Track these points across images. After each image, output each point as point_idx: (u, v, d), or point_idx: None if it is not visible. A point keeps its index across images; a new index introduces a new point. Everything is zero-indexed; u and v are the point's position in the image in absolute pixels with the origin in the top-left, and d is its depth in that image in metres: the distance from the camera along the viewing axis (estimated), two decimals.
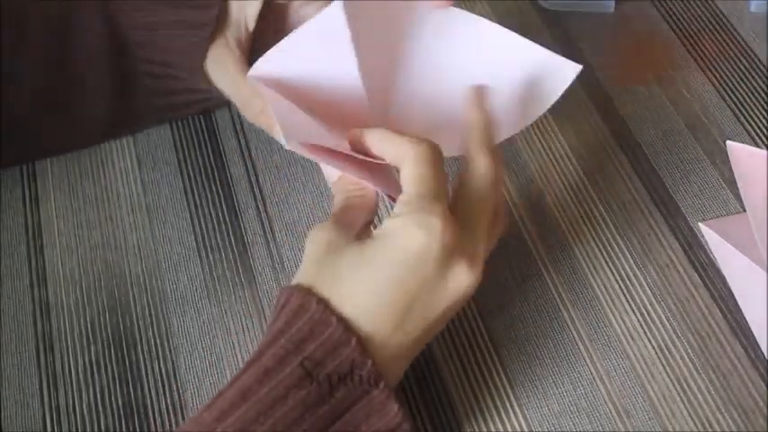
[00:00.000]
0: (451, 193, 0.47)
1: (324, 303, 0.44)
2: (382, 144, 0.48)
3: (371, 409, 0.44)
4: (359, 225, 0.48)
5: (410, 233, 0.44)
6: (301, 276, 0.46)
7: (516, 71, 0.55)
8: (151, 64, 0.60)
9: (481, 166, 0.47)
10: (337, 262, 0.45)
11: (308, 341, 0.43)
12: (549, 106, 0.54)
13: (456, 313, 0.48)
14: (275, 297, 0.46)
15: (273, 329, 0.44)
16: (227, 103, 0.62)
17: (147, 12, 0.58)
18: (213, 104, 0.65)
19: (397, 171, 0.47)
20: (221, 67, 0.58)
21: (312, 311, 0.44)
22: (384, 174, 0.51)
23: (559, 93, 0.54)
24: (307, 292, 0.44)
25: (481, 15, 0.73)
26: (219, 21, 0.57)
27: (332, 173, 0.51)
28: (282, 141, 0.48)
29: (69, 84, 0.60)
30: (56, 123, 0.62)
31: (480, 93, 0.49)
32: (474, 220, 0.46)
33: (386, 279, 0.44)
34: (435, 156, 0.46)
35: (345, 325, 0.43)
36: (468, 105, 0.49)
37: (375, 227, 0.47)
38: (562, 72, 0.54)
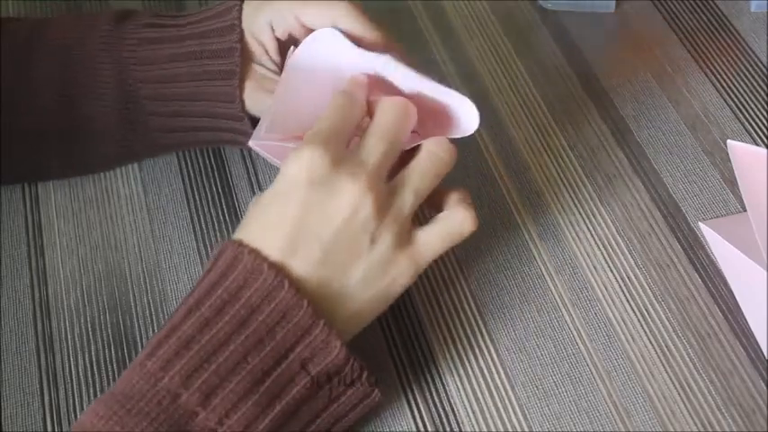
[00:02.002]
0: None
1: (255, 253, 0.46)
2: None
3: (314, 348, 0.45)
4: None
5: (288, 165, 0.48)
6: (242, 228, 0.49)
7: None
8: (164, 117, 0.59)
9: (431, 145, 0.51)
10: (257, 203, 0.49)
11: (243, 289, 0.46)
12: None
13: (385, 272, 0.48)
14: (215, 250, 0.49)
15: (210, 280, 0.47)
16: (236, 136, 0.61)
17: (163, 66, 0.58)
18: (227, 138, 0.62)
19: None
20: (262, 99, 0.58)
21: (244, 262, 0.46)
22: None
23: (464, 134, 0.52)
24: (239, 244, 0.47)
25: (481, 15, 0.73)
26: (244, 56, 0.58)
27: None
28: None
29: (76, 124, 0.59)
30: (60, 157, 0.62)
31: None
32: (371, 147, 0.49)
33: (275, 207, 0.48)
34: (351, 104, 0.51)
35: (277, 271, 0.46)
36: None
37: None
38: (468, 117, 0.52)
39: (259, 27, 0.57)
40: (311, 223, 0.47)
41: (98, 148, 0.61)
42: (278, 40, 0.58)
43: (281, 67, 0.58)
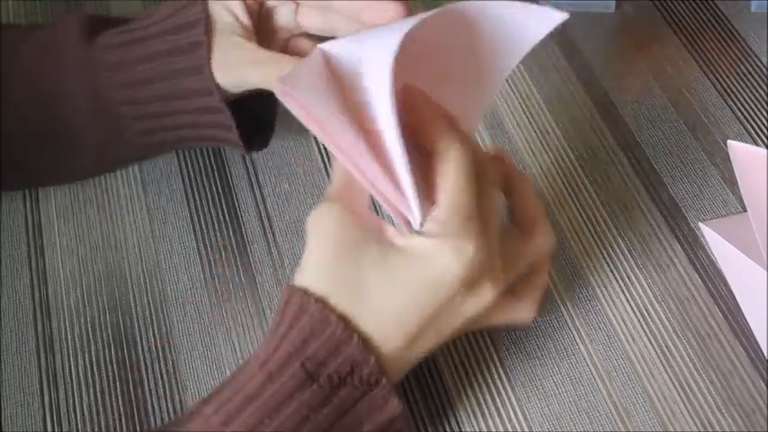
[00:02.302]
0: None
1: (344, 320, 0.43)
2: (434, 122, 0.46)
3: (372, 405, 0.44)
4: (363, 206, 0.47)
5: (444, 259, 0.43)
6: (315, 278, 0.45)
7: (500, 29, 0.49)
8: (141, 120, 0.58)
9: (540, 242, 0.50)
10: (358, 273, 0.44)
11: (314, 347, 0.43)
12: (527, 49, 0.50)
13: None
14: (280, 296, 0.46)
15: (278, 333, 0.44)
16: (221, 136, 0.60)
17: (133, 69, 0.57)
18: (209, 134, 0.60)
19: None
20: (235, 71, 0.55)
21: (332, 329, 0.43)
22: (393, 176, 0.46)
23: (538, 36, 0.49)
24: (324, 305, 0.44)
25: None
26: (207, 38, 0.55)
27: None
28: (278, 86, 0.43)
29: (55, 129, 0.58)
30: (46, 161, 0.61)
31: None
32: (518, 265, 0.48)
33: (411, 301, 0.44)
34: (473, 166, 0.45)
35: (345, 324, 0.43)
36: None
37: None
38: (545, 18, 0.48)
39: None
40: (444, 322, 0.45)
41: (82, 155, 0.60)
42: (248, 9, 0.56)
43: (252, 30, 0.56)
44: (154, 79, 0.56)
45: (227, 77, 0.55)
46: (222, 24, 0.56)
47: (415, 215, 0.45)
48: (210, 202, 0.62)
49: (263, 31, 0.59)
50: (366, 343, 0.44)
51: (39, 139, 0.58)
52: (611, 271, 0.58)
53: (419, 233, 0.44)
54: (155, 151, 0.63)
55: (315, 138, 0.65)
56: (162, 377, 0.54)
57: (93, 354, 0.55)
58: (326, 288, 0.44)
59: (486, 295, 0.45)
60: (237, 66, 0.55)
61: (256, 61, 0.55)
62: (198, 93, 0.56)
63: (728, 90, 0.67)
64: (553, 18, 0.47)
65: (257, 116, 0.60)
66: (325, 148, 0.65)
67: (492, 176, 0.48)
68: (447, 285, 0.44)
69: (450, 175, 0.44)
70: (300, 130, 0.66)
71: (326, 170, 0.64)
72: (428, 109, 0.46)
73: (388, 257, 0.44)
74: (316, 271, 0.45)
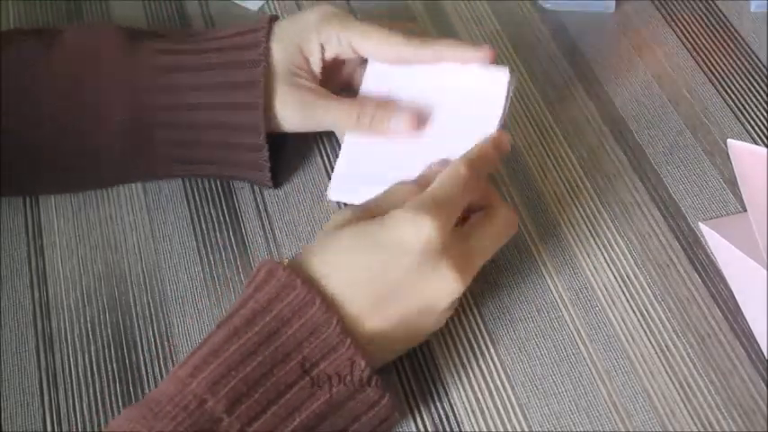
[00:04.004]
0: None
1: (310, 283, 0.47)
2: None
3: (339, 366, 0.46)
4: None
5: (404, 225, 0.47)
6: (301, 253, 0.50)
7: (459, 93, 0.58)
8: (175, 146, 0.59)
9: (504, 211, 0.53)
10: (334, 240, 0.49)
11: (279, 307, 0.47)
12: (498, 118, 0.56)
13: (441, 320, 0.51)
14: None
15: (245, 295, 0.48)
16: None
17: (184, 94, 0.57)
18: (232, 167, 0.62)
19: None
20: (307, 111, 0.58)
21: (297, 291, 0.46)
22: None
23: (500, 102, 0.56)
24: (292, 271, 0.47)
25: (481, 15, 0.73)
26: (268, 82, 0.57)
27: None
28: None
29: (76, 144, 0.58)
30: (56, 174, 0.61)
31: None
32: (479, 242, 0.51)
33: (371, 264, 0.47)
34: (471, 182, 0.51)
35: (327, 305, 0.46)
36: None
37: None
38: (494, 81, 0.57)
39: (310, 47, 0.58)
40: (405, 294, 0.48)
41: (99, 169, 0.60)
42: (324, 59, 0.59)
43: (319, 82, 0.59)
44: (201, 108, 0.57)
45: (294, 118, 0.58)
46: (294, 70, 0.58)
47: None
48: (210, 202, 0.62)
49: (334, 85, 0.61)
50: (330, 305, 0.46)
51: (55, 155, 0.59)
52: (611, 271, 0.57)
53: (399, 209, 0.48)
54: (172, 176, 0.63)
55: (315, 138, 0.65)
56: (162, 377, 0.54)
57: (92, 353, 0.55)
58: (303, 257, 0.49)
59: (447, 278, 0.48)
60: (309, 109, 0.58)
61: (332, 105, 0.58)
62: (244, 129, 0.57)
63: (728, 90, 0.67)
64: (500, 79, 0.56)
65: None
66: (326, 149, 0.65)
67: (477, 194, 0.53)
68: (402, 253, 0.47)
69: (451, 167, 0.51)
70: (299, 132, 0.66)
71: (326, 170, 0.64)
72: None
73: (365, 226, 0.49)
74: (304, 249, 0.50)
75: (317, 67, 0.59)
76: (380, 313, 0.48)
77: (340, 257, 0.48)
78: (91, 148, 0.58)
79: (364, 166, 0.58)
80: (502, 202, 0.54)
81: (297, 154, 0.64)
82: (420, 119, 0.57)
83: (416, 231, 0.47)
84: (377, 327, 0.48)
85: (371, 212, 0.50)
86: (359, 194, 0.54)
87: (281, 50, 0.58)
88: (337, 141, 0.64)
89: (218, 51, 0.58)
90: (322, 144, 0.65)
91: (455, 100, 0.58)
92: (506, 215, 0.53)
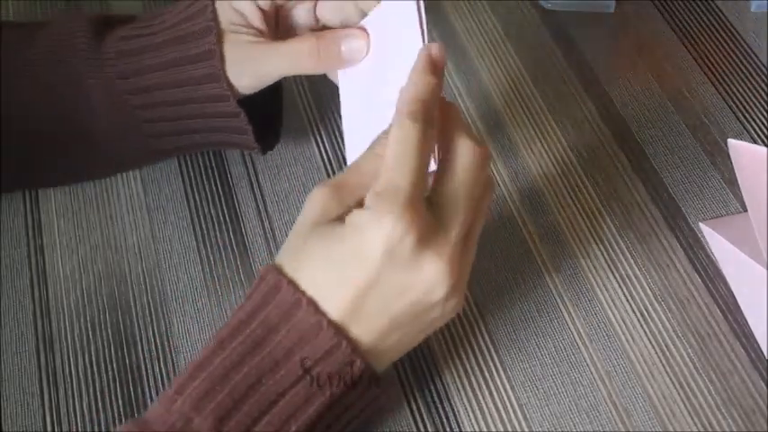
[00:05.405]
0: (432, 180, 0.46)
1: (293, 285, 0.45)
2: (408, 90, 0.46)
3: (332, 371, 0.44)
4: (360, 196, 0.46)
5: (375, 229, 0.43)
6: (282, 251, 0.47)
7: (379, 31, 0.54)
8: (157, 123, 0.59)
9: (465, 151, 0.46)
10: (309, 244, 0.45)
11: (265, 312, 0.45)
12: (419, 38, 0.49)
13: (436, 319, 0.47)
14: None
15: (237, 306, 0.46)
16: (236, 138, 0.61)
17: (146, 76, 0.57)
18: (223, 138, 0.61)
19: None
20: (257, 69, 0.56)
21: (282, 294, 0.45)
22: None
23: (415, 24, 0.49)
24: (278, 272, 0.45)
25: (482, 15, 0.73)
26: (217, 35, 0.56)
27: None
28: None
29: (68, 130, 0.59)
30: (55, 160, 0.61)
31: (434, 56, 0.47)
32: (453, 212, 0.45)
33: (343, 271, 0.44)
34: (424, 135, 0.44)
35: (315, 308, 0.44)
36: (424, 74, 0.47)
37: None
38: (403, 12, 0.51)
39: (238, 1, 0.56)
40: (383, 295, 0.44)
41: (97, 157, 0.61)
42: (260, 9, 0.56)
43: (266, 31, 0.57)
44: (168, 85, 0.57)
45: (247, 78, 0.56)
46: (234, 28, 0.56)
47: None
48: (210, 202, 0.62)
49: (282, 31, 0.59)
50: (317, 309, 0.44)
51: (52, 140, 0.59)
52: (611, 271, 0.58)
53: (360, 208, 0.44)
54: (168, 154, 0.64)
55: (315, 137, 0.65)
56: (162, 377, 0.54)
57: (92, 353, 0.55)
58: (281, 259, 0.46)
59: (429, 269, 0.44)
60: (259, 64, 0.56)
61: (280, 51, 0.55)
62: (214, 98, 0.57)
63: (728, 90, 0.67)
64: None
65: (265, 114, 0.60)
66: (326, 149, 0.65)
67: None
68: (365, 248, 0.43)
69: (392, 150, 0.44)
70: (300, 129, 0.66)
71: (326, 169, 0.64)
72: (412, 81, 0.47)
73: (333, 232, 0.45)
74: (283, 248, 0.48)
75: (256, 19, 0.56)
76: (365, 318, 0.45)
77: (314, 266, 0.45)
78: (83, 133, 0.59)
79: (365, 117, 0.54)
80: (462, 135, 0.46)
81: (297, 154, 0.64)
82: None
83: (379, 235, 0.43)
84: (368, 329, 0.46)
85: (342, 199, 0.46)
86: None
87: (220, 11, 0.56)
88: (338, 142, 0.64)
89: (173, 27, 0.57)
90: (322, 143, 0.65)
91: (379, 39, 0.54)
92: (470, 158, 0.46)
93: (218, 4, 0.56)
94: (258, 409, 0.43)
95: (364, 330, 0.45)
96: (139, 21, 0.60)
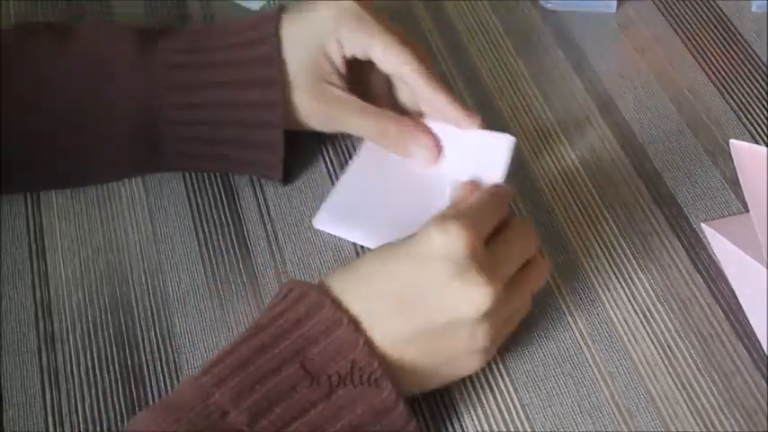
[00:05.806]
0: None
1: (337, 303, 0.46)
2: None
3: (364, 390, 0.45)
4: None
5: (430, 235, 0.46)
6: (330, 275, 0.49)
7: (467, 155, 0.58)
8: (188, 142, 0.59)
9: (518, 227, 0.52)
10: (363, 260, 0.49)
11: (308, 325, 0.46)
12: (499, 178, 0.56)
13: (460, 353, 0.49)
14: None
15: (276, 311, 0.47)
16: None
17: (197, 92, 0.57)
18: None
19: None
20: (333, 113, 0.59)
21: (326, 310, 0.46)
22: None
23: (501, 166, 0.56)
24: (323, 291, 0.47)
25: (483, 15, 0.73)
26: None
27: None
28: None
29: (85, 134, 0.59)
30: (64, 164, 0.61)
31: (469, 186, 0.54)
32: (506, 261, 0.49)
33: (397, 274, 0.47)
34: (503, 200, 0.52)
35: (354, 326, 0.46)
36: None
37: None
38: (497, 146, 0.57)
39: (330, 47, 0.57)
40: (432, 304, 0.46)
41: (112, 162, 0.61)
42: (344, 59, 0.58)
43: (351, 84, 0.59)
44: (216, 105, 0.57)
45: (318, 118, 0.59)
46: (311, 66, 0.57)
47: None
48: (212, 204, 0.62)
49: (355, 82, 0.60)
50: (357, 326, 0.46)
51: (67, 142, 0.59)
52: (613, 271, 0.58)
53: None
54: (178, 170, 0.63)
55: (317, 138, 0.65)
56: (164, 378, 0.54)
57: (94, 354, 0.55)
58: (331, 280, 0.48)
59: (475, 290, 0.46)
60: (339, 121, 0.59)
61: (367, 121, 0.58)
62: (261, 126, 0.57)
63: (729, 90, 0.67)
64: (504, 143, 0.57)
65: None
66: (329, 153, 0.65)
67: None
68: (429, 259, 0.46)
69: (482, 196, 0.51)
70: (304, 132, 0.66)
71: (328, 171, 0.64)
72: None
73: (391, 245, 0.48)
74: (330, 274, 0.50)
75: (340, 65, 0.58)
76: (409, 324, 0.46)
77: (367, 278, 0.48)
78: (103, 144, 0.59)
79: (357, 200, 0.59)
80: (515, 218, 0.53)
81: (300, 156, 0.64)
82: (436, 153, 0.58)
83: (444, 238, 0.46)
84: (401, 334, 0.47)
85: None
86: (345, 227, 0.55)
87: (299, 48, 0.57)
88: (341, 145, 0.64)
89: (233, 47, 0.58)
90: (326, 149, 0.65)
91: (458, 159, 0.58)
92: (522, 228, 0.52)
93: (304, 41, 0.57)
94: (290, 414, 0.44)
95: (400, 330, 0.47)
96: (190, 35, 0.59)
